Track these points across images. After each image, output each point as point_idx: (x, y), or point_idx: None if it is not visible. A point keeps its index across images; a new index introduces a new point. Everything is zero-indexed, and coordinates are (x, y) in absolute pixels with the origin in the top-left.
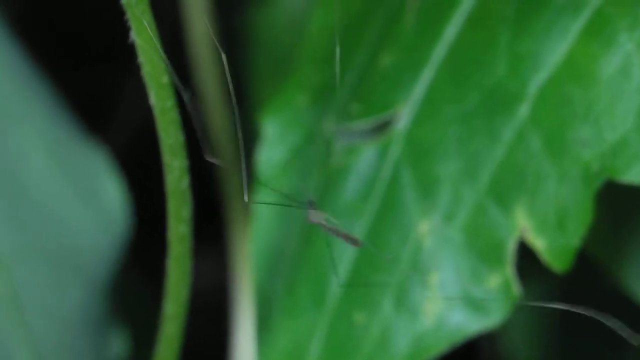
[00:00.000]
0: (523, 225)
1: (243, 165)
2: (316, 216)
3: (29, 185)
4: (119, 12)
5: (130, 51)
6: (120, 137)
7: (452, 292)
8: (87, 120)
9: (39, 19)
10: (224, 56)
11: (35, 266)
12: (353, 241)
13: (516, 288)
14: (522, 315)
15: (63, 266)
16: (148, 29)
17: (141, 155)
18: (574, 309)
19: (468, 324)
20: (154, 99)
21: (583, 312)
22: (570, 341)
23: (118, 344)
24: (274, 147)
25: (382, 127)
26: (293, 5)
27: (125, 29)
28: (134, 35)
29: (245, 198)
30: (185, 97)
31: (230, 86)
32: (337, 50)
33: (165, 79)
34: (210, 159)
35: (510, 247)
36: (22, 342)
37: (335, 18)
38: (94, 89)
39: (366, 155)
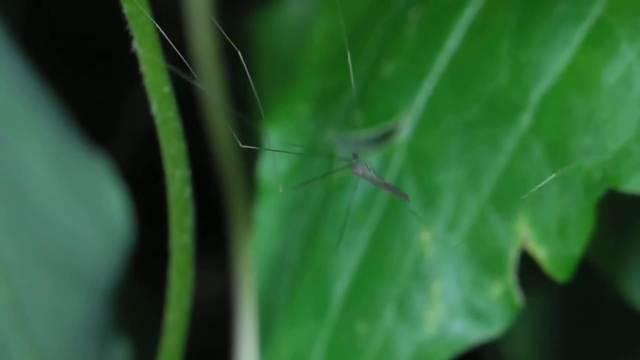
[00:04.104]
0: (525, 234)
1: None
2: (360, 169)
3: (31, 194)
4: (122, 22)
5: (133, 61)
6: (123, 146)
7: (454, 301)
8: (90, 129)
9: (43, 28)
10: (240, 54)
11: (37, 275)
12: (400, 194)
13: (518, 297)
14: (526, 323)
15: (65, 275)
16: (150, 38)
17: (144, 165)
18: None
19: (470, 333)
20: (155, 109)
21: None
22: (573, 349)
23: (120, 352)
24: (276, 157)
25: (385, 137)
26: (295, 14)
27: (128, 39)
28: (136, 45)
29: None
30: (194, 82)
31: (251, 81)
32: (349, 55)
33: (167, 89)
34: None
35: (512, 256)
36: (25, 350)
37: (342, 26)
38: (97, 98)
39: (369, 164)
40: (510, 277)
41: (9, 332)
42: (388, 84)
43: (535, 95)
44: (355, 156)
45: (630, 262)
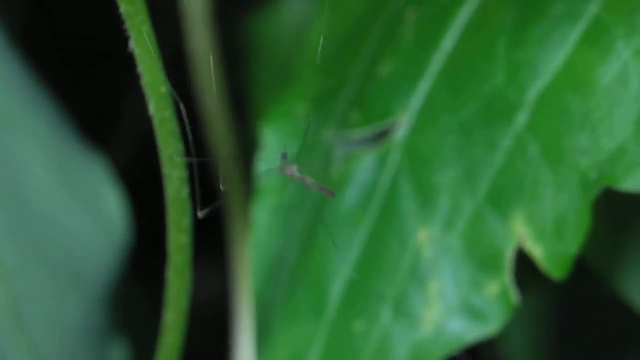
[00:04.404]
0: (521, 233)
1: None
2: (289, 169)
3: (30, 195)
4: (121, 23)
5: (131, 62)
6: (122, 147)
7: (451, 300)
8: (89, 131)
9: (41, 30)
10: (211, 58)
11: (35, 276)
12: (327, 192)
13: (514, 296)
14: (522, 322)
15: (63, 276)
16: (146, 38)
17: (142, 166)
18: None
19: (466, 332)
20: (153, 109)
21: None
22: (569, 348)
23: (118, 353)
24: (273, 156)
25: (381, 136)
26: (293, 15)
27: (126, 39)
28: (133, 45)
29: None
30: (182, 107)
31: (213, 80)
32: (318, 58)
33: (164, 89)
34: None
35: (509, 255)
36: (23, 352)
37: (323, 27)
38: (97, 99)
39: (365, 163)
40: (507, 276)
41: (7, 333)
42: (385, 83)
43: (532, 94)
44: (284, 156)
45: (627, 260)
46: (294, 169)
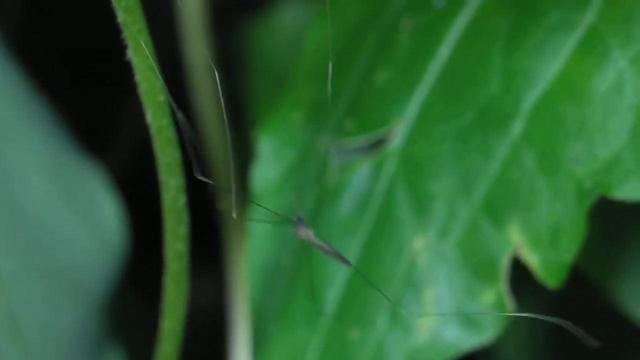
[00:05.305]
0: (517, 241)
1: (234, 184)
2: (305, 233)
3: (26, 203)
4: (118, 31)
5: (128, 70)
6: (118, 155)
7: (446, 307)
8: (85, 139)
9: (38, 38)
10: (216, 72)
11: (31, 284)
12: (343, 260)
13: (510, 304)
14: (518, 330)
15: (59, 284)
16: (144, 47)
17: (139, 174)
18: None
19: (462, 340)
20: (150, 117)
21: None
22: (564, 356)
23: None
24: (269, 165)
25: (377, 144)
26: (289, 24)
27: (123, 48)
28: (131, 54)
29: (234, 214)
30: (179, 116)
31: (221, 100)
32: (330, 66)
33: (161, 98)
34: (200, 177)
35: (504, 263)
36: (18, 359)
37: (329, 34)
38: (92, 108)
39: (361, 172)
40: (503, 284)
41: (2, 342)
42: (381, 91)
43: (527, 103)
44: (300, 220)
45: (622, 269)
46: (309, 234)
